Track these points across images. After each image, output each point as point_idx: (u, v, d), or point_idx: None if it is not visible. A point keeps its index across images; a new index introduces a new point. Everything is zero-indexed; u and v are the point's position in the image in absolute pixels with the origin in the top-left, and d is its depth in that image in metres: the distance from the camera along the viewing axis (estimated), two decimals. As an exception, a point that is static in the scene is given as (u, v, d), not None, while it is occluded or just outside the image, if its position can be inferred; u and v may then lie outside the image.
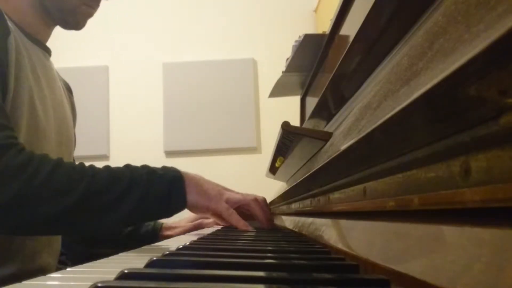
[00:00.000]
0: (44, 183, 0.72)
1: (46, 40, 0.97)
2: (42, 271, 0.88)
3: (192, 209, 0.89)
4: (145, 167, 0.83)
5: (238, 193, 0.96)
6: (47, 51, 0.97)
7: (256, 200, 0.97)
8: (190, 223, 1.17)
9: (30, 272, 0.84)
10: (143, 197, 0.78)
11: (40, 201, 0.72)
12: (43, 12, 0.91)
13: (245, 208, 0.96)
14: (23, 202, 0.71)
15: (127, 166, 0.82)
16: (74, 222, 0.76)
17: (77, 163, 0.82)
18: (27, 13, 0.90)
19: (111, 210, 0.77)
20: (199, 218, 1.17)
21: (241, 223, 0.90)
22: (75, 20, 0.92)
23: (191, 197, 0.84)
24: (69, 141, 1.01)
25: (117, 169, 0.81)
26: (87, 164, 0.81)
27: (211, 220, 1.16)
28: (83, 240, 1.14)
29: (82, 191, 0.74)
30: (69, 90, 1.11)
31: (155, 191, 0.80)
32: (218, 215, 0.93)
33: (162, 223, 1.15)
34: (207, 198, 0.87)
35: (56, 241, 0.97)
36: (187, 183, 0.84)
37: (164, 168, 0.85)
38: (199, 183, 0.86)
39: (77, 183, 0.75)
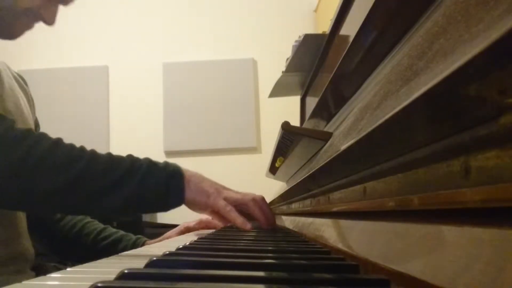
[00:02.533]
0: (43, 157, 0.72)
1: None
2: (21, 256, 0.88)
3: (190, 205, 0.88)
4: (146, 158, 0.83)
5: (237, 192, 0.95)
6: None
7: (254, 200, 0.96)
8: (175, 234, 1.12)
9: (11, 258, 0.84)
10: (140, 186, 0.78)
11: (37, 175, 0.71)
12: None
13: (243, 208, 0.96)
14: (19, 174, 0.71)
15: (129, 155, 0.82)
16: (68, 200, 0.76)
17: None
18: None
19: (107, 194, 0.76)
20: (184, 232, 1.13)
21: (239, 220, 0.89)
22: (8, 31, 0.85)
23: (190, 193, 0.84)
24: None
25: (118, 156, 0.81)
26: None
27: (194, 223, 1.13)
28: (56, 251, 1.12)
29: (80, 170, 0.74)
30: (23, 80, 1.06)
31: (153, 182, 0.79)
32: (216, 212, 0.93)
33: (145, 240, 1.10)
34: (206, 195, 0.86)
35: (26, 227, 0.96)
36: (187, 179, 0.84)
37: (165, 162, 0.85)
38: (199, 180, 0.86)
39: (76, 162, 0.74)
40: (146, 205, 0.82)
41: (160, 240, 1.11)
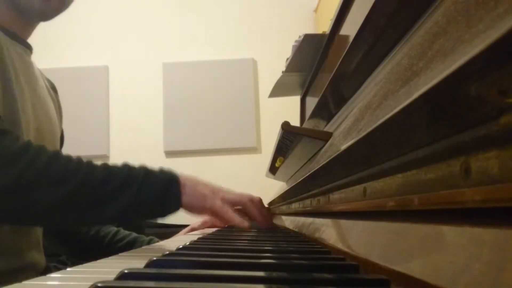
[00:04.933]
0: (41, 172, 0.72)
1: (27, 37, 0.96)
2: (31, 267, 0.89)
3: (188, 209, 0.89)
4: (142, 166, 0.84)
5: (234, 192, 0.95)
6: (28, 48, 0.96)
7: (251, 200, 0.96)
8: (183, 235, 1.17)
9: (20, 268, 0.85)
10: (137, 195, 0.79)
11: (35, 190, 0.72)
12: (16, 8, 0.90)
13: (241, 207, 0.96)
14: (18, 189, 0.71)
15: (125, 164, 0.83)
16: (67, 213, 0.76)
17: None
18: (6, 11, 0.90)
19: (104, 205, 0.77)
20: (191, 231, 1.18)
21: (237, 220, 0.90)
22: (41, 11, 0.91)
23: (186, 198, 0.84)
24: (54, 140, 1.00)
25: (114, 166, 0.81)
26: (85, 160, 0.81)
27: (200, 223, 1.17)
28: (73, 253, 1.14)
29: (77, 183, 0.75)
30: (53, 89, 1.10)
31: (150, 191, 0.80)
32: (214, 214, 0.93)
33: (157, 241, 1.14)
34: (202, 198, 0.87)
35: (40, 238, 0.97)
36: (182, 184, 0.84)
37: (161, 169, 0.85)
38: (194, 184, 0.87)
39: (73, 175, 0.75)
40: (144, 213, 0.83)
41: None
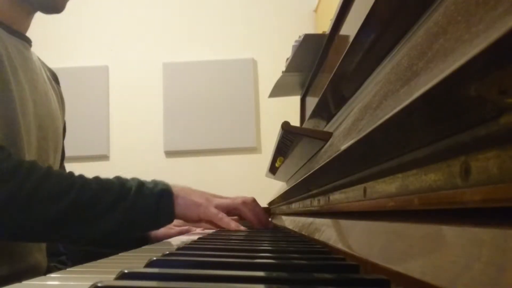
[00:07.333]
0: (34, 190, 0.73)
1: (26, 30, 0.94)
2: (33, 269, 0.89)
3: (183, 220, 0.89)
4: (135, 179, 0.84)
5: (226, 198, 0.96)
6: (27, 41, 0.94)
7: (244, 202, 0.96)
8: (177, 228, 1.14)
9: (22, 271, 0.85)
10: (131, 209, 0.79)
11: (28, 208, 0.73)
12: (20, 1, 0.88)
13: (235, 212, 0.96)
14: (11, 208, 0.72)
15: (117, 178, 0.83)
16: (61, 230, 0.77)
17: (76, 164, 0.82)
18: (2, 2, 0.88)
19: (99, 221, 0.77)
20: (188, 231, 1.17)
21: (233, 225, 0.90)
22: (53, 1, 0.90)
23: (179, 209, 0.85)
24: (56, 135, 0.99)
25: (107, 180, 0.81)
26: (82, 167, 0.81)
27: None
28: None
29: (71, 200, 0.75)
30: (55, 80, 1.09)
31: (144, 204, 0.80)
32: (209, 222, 0.94)
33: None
34: (196, 208, 0.87)
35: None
36: (176, 195, 0.85)
37: (154, 181, 0.86)
38: (187, 194, 0.87)
39: (66, 192, 0.75)
40: (138, 227, 0.83)
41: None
